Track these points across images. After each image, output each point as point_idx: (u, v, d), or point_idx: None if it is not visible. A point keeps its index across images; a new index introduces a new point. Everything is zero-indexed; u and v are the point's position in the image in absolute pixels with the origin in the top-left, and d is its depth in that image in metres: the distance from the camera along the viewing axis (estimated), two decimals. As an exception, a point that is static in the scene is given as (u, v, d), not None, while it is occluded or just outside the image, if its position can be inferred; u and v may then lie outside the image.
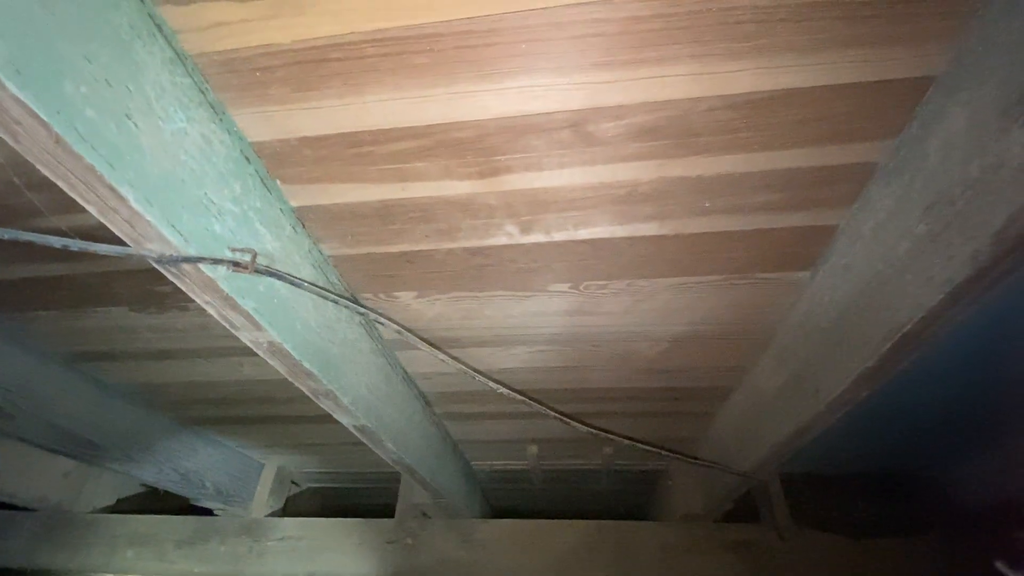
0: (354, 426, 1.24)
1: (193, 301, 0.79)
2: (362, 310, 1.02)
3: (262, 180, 0.84)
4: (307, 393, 1.08)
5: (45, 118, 0.51)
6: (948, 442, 1.83)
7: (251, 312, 0.80)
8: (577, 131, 0.76)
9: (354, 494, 2.95)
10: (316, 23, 0.64)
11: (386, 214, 0.94)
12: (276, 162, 0.84)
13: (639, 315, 1.19)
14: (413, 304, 1.19)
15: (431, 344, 1.10)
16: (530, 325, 1.26)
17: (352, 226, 0.97)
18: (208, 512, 2.42)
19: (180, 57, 0.67)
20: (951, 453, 1.88)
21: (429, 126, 0.76)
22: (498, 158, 0.81)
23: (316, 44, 0.66)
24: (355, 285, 1.14)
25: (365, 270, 1.09)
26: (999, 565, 1.54)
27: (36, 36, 0.50)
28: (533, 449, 2.09)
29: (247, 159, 0.81)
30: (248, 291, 0.79)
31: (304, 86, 0.71)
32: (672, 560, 2.01)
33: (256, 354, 0.92)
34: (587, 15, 0.62)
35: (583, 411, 1.69)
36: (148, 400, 1.85)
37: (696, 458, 1.75)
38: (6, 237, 0.57)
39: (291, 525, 2.28)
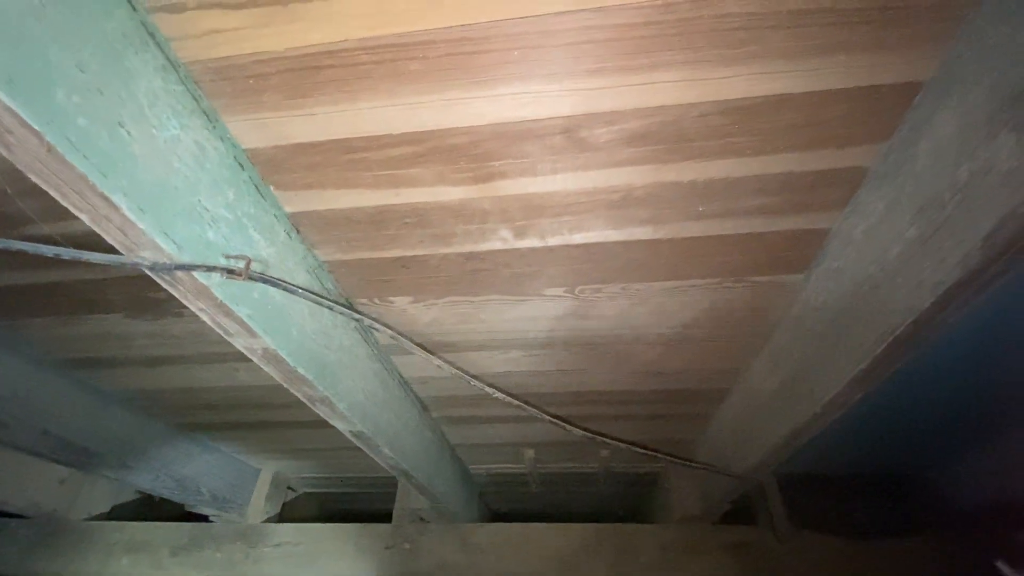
0: (350, 432, 1.23)
1: (187, 307, 0.79)
2: (357, 316, 1.02)
3: (256, 187, 0.84)
4: (302, 399, 1.07)
5: (37, 127, 0.51)
6: (944, 442, 1.83)
7: (245, 319, 0.79)
8: (570, 137, 0.77)
9: (351, 499, 2.94)
10: (309, 31, 0.64)
11: (381, 219, 0.94)
12: (270, 168, 0.84)
13: (634, 318, 1.20)
14: (409, 309, 1.19)
15: (426, 349, 1.10)
16: (526, 329, 1.26)
17: (347, 232, 0.97)
18: (204, 518, 2.41)
19: (173, 65, 0.67)
20: (947, 453, 1.89)
21: (423, 132, 0.76)
22: (492, 164, 0.81)
23: (309, 51, 0.66)
24: (350, 290, 1.14)
25: (360, 275, 1.09)
26: (999, 564, 1.55)
27: (28, 45, 0.50)
28: (530, 453, 2.09)
29: (241, 166, 0.80)
30: (242, 298, 0.79)
31: (298, 93, 0.71)
32: (670, 562, 2.01)
33: (252, 360, 0.92)
34: (579, 22, 0.62)
35: (580, 414, 1.69)
36: (143, 407, 1.84)
37: (692, 460, 1.75)
38: (-2, 246, 0.57)
39: (288, 531, 2.27)
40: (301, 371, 0.94)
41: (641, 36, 0.63)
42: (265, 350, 0.88)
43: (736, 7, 0.60)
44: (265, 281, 0.81)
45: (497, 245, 0.99)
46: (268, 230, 0.87)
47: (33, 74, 0.50)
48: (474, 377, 1.19)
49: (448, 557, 2.13)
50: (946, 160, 0.68)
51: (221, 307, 0.77)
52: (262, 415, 1.89)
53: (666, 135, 0.76)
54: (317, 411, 1.13)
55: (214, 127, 0.74)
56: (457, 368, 1.18)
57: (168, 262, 0.67)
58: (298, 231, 0.97)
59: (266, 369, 0.95)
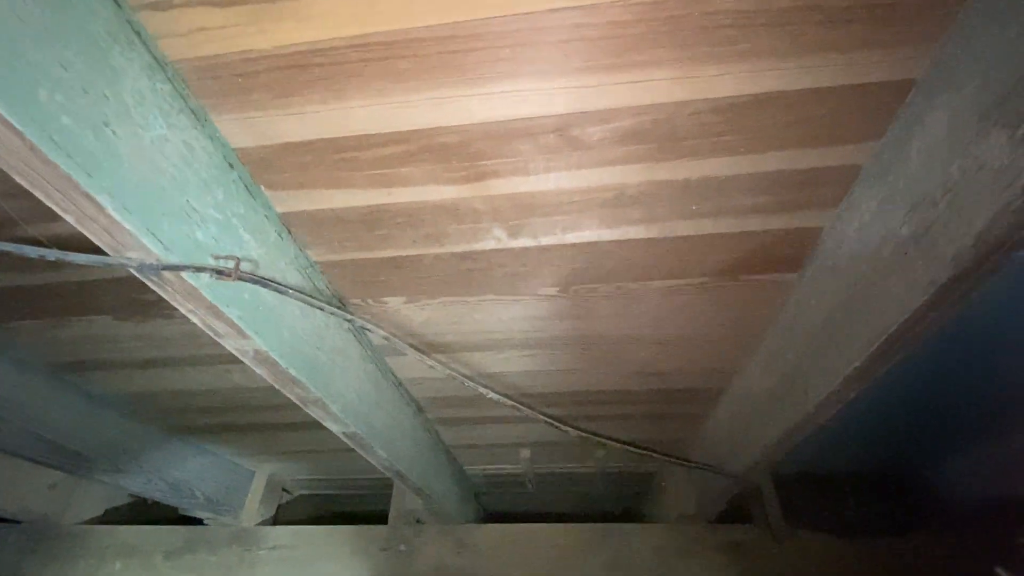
0: (344, 433, 1.23)
1: (177, 308, 0.78)
2: (349, 316, 1.01)
3: (246, 186, 0.83)
4: (295, 401, 1.07)
5: (19, 126, 0.50)
6: (940, 441, 1.84)
7: (236, 320, 0.79)
8: (563, 135, 0.76)
9: (346, 501, 2.93)
10: (297, 29, 0.63)
11: (373, 219, 0.93)
12: (260, 168, 0.83)
13: (628, 318, 1.19)
14: (402, 309, 1.18)
15: (419, 350, 1.10)
16: (520, 329, 1.25)
17: (338, 232, 0.96)
18: (198, 522, 2.39)
19: (159, 63, 0.66)
20: (943, 452, 1.90)
21: (414, 131, 0.76)
22: (484, 163, 0.81)
23: (298, 49, 0.65)
24: (343, 291, 1.13)
25: (353, 275, 1.08)
26: (998, 571, 1.55)
27: (8, 44, 0.49)
28: (526, 453, 2.08)
29: (230, 165, 0.80)
30: (232, 299, 0.78)
31: (287, 92, 0.71)
32: (666, 562, 2.01)
33: (244, 361, 0.91)
34: (570, 20, 0.62)
35: (575, 414, 1.69)
36: (135, 410, 1.82)
37: (688, 460, 1.75)
38: (-20, 247, 0.56)
39: (283, 534, 2.26)
40: (293, 372, 0.94)
41: (632, 34, 0.63)
42: (256, 352, 0.87)
43: (726, 5, 0.60)
44: (255, 282, 0.80)
45: (491, 245, 0.98)
46: (259, 230, 0.86)
47: (13, 73, 0.49)
48: (468, 378, 1.19)
49: (444, 558, 2.13)
50: (938, 158, 0.68)
51: (211, 308, 0.76)
52: (255, 417, 1.88)
53: (658, 133, 0.75)
54: (310, 412, 1.12)
55: (202, 126, 0.74)
56: (451, 369, 1.17)
57: (156, 263, 0.67)
58: (289, 231, 0.96)
59: (258, 371, 0.94)
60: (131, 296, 1.17)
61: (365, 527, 2.23)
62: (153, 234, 0.65)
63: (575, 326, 1.24)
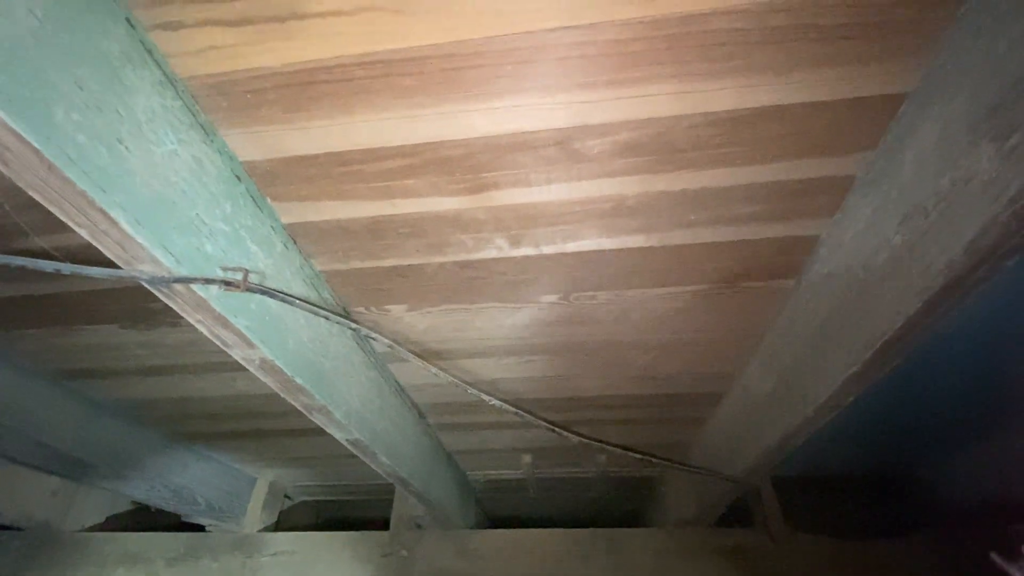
0: (347, 440, 1.24)
1: (183, 317, 0.80)
2: (353, 325, 1.02)
3: (253, 199, 0.85)
4: (300, 408, 1.08)
5: (36, 145, 0.52)
6: (938, 442, 1.85)
7: (243, 330, 0.80)
8: (563, 148, 0.78)
9: (348, 507, 2.93)
10: (305, 47, 0.65)
11: (376, 230, 0.95)
12: (267, 181, 0.85)
13: (628, 324, 1.21)
14: (405, 317, 1.20)
15: (421, 357, 1.11)
16: (521, 336, 1.27)
17: (343, 242, 0.98)
18: (200, 528, 2.39)
19: (171, 80, 0.68)
20: (942, 453, 1.91)
21: (417, 145, 0.77)
22: (486, 175, 0.82)
23: (305, 67, 0.67)
24: (347, 299, 1.15)
25: (357, 285, 1.10)
26: (994, 556, 1.56)
27: (26, 66, 0.51)
28: (527, 458, 2.09)
29: (238, 178, 0.81)
30: (240, 309, 0.80)
31: (294, 107, 0.72)
32: (667, 566, 2.02)
33: (249, 369, 0.93)
34: (571, 38, 0.64)
35: (575, 419, 1.70)
36: (138, 416, 1.83)
37: (688, 464, 1.76)
38: (-3, 262, 0.58)
39: (284, 540, 2.27)
40: (299, 381, 0.95)
41: (631, 51, 0.65)
42: (263, 360, 0.89)
43: (722, 23, 0.62)
44: (263, 292, 0.81)
45: (492, 254, 1.00)
46: (265, 242, 0.88)
47: (32, 94, 0.51)
48: (470, 384, 1.20)
49: (446, 564, 2.13)
50: (929, 169, 0.70)
51: (219, 319, 0.77)
52: (258, 424, 1.88)
53: (657, 146, 0.77)
54: (314, 420, 1.13)
55: (211, 141, 0.75)
56: (453, 375, 1.18)
57: (167, 275, 0.68)
58: (295, 242, 0.97)
59: (263, 379, 0.96)
60: (137, 304, 1.18)
61: (366, 533, 2.23)
62: (164, 247, 0.66)
63: (575, 332, 1.25)
